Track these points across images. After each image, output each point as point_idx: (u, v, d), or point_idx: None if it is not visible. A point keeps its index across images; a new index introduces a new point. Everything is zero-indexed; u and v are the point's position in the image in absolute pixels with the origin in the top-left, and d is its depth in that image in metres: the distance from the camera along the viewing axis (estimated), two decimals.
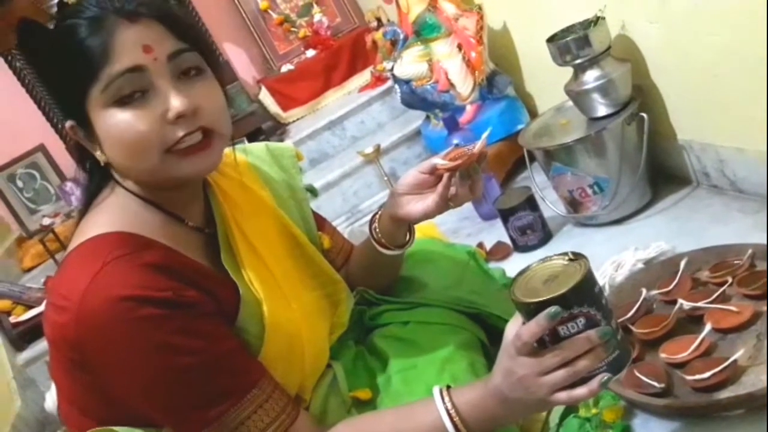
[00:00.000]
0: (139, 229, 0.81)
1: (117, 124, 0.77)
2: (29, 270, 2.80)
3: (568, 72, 1.55)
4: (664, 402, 0.96)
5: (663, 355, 1.02)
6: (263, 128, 2.91)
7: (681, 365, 0.99)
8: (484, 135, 0.94)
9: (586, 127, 1.54)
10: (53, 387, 1.69)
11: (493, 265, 1.56)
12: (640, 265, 1.32)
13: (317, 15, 3.13)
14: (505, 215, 1.67)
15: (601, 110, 1.51)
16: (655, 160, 1.57)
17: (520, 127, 2.00)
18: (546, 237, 1.67)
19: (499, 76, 2.08)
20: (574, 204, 1.62)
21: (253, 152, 1.08)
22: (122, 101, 0.77)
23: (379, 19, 2.83)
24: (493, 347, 1.05)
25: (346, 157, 2.55)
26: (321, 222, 1.13)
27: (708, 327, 1.02)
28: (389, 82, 2.56)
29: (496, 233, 1.79)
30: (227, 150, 0.97)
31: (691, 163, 1.52)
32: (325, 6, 3.20)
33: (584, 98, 1.52)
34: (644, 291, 1.17)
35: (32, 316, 2.23)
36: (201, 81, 0.81)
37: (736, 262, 1.14)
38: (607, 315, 0.73)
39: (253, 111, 2.89)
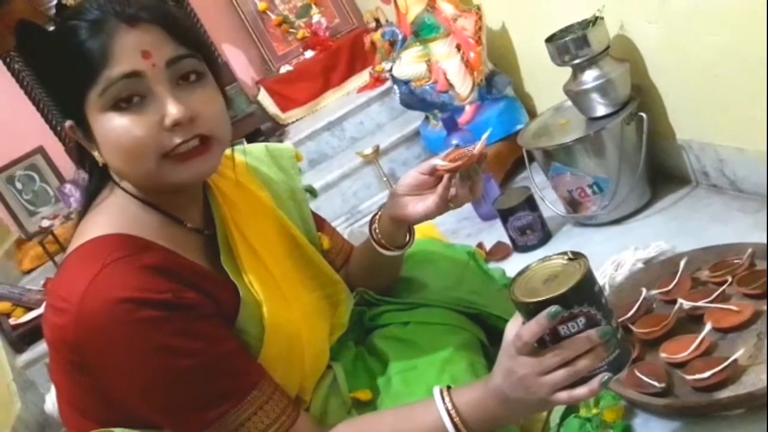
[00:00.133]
0: (138, 231, 0.81)
1: (114, 128, 0.77)
2: (28, 272, 2.80)
3: (567, 72, 1.55)
4: (664, 402, 0.96)
5: (663, 355, 1.02)
6: (262, 129, 2.91)
7: (681, 365, 0.99)
8: (484, 136, 0.94)
9: (585, 127, 1.54)
10: (53, 389, 1.69)
11: (492, 266, 1.56)
12: (640, 265, 1.32)
13: (316, 16, 3.13)
14: (505, 215, 1.67)
15: (600, 110, 1.51)
16: (654, 159, 1.57)
17: (519, 127, 2.00)
18: (545, 237, 1.67)
19: (498, 77, 2.08)
20: (573, 204, 1.62)
21: (252, 153, 1.08)
22: (120, 106, 0.76)
23: (377, 20, 2.83)
24: (492, 347, 1.05)
25: (345, 158, 2.55)
26: (320, 223, 1.13)
27: (708, 326, 1.02)
28: (388, 83, 2.56)
29: (495, 233, 1.79)
30: (227, 151, 0.97)
31: (691, 163, 1.52)
32: (324, 7, 3.20)
33: (583, 98, 1.52)
34: (644, 291, 1.17)
35: (32, 318, 2.23)
36: (200, 86, 0.81)
37: (735, 261, 1.14)
38: (608, 314, 0.73)
39: (252, 112, 2.89)
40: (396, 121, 2.70)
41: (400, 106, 2.32)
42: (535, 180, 1.69)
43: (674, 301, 1.11)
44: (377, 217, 1.06)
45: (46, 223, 2.95)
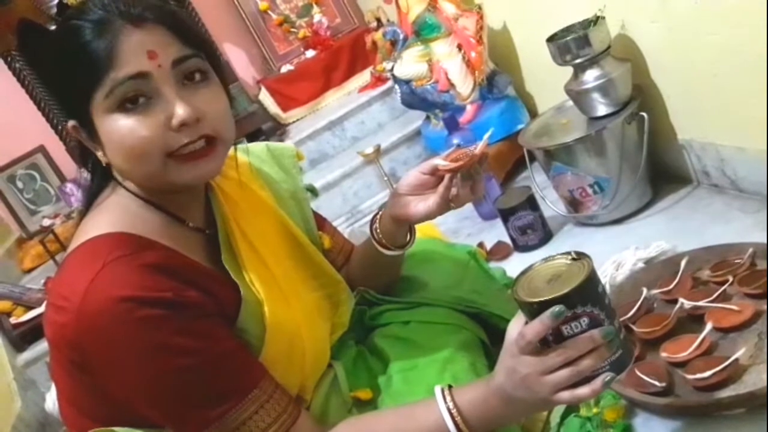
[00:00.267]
0: (140, 230, 0.81)
1: (120, 129, 0.77)
2: (29, 271, 2.80)
3: (568, 71, 1.55)
4: (665, 401, 0.96)
5: (664, 354, 1.02)
6: (263, 129, 2.91)
7: (682, 364, 0.99)
8: (486, 136, 0.94)
9: (586, 126, 1.54)
10: (53, 388, 1.69)
11: (493, 265, 1.56)
12: (641, 265, 1.32)
13: (317, 15, 3.13)
14: (506, 215, 1.67)
15: (601, 110, 1.51)
16: (655, 159, 1.57)
17: (520, 126, 2.00)
18: (546, 237, 1.67)
19: (499, 76, 2.08)
20: (574, 203, 1.62)
21: (253, 152, 1.07)
22: (125, 107, 0.76)
23: (378, 20, 2.83)
24: (493, 347, 1.05)
25: (346, 158, 2.55)
26: (321, 222, 1.13)
27: (709, 326, 1.02)
28: (389, 83, 2.56)
29: (496, 233, 1.79)
30: (230, 151, 0.97)
31: (692, 163, 1.52)
32: (325, 6, 3.20)
33: (584, 98, 1.52)
34: (645, 290, 1.17)
35: (32, 317, 2.23)
36: (205, 86, 0.80)
37: (736, 261, 1.14)
38: (610, 314, 0.73)
39: (253, 111, 2.89)
40: (397, 120, 2.70)
41: (401, 105, 2.32)
42: (536, 179, 1.69)
43: (675, 301, 1.11)
44: (378, 216, 1.06)
45: (47, 222, 2.96)
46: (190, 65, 0.79)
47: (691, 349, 0.99)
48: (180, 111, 0.76)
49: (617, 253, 1.37)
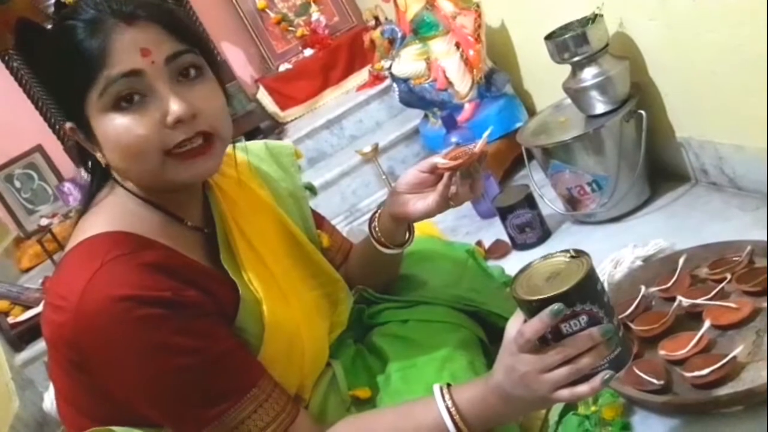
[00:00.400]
0: (138, 229, 0.81)
1: (116, 128, 0.77)
2: (27, 270, 2.80)
3: (566, 69, 1.55)
4: (663, 399, 0.97)
5: (662, 352, 1.02)
6: (261, 127, 2.91)
7: (680, 362, 0.99)
8: (485, 134, 0.94)
9: (585, 124, 1.54)
10: (52, 387, 1.69)
11: (492, 264, 1.56)
12: (639, 263, 1.32)
13: (315, 14, 3.12)
14: (504, 213, 1.67)
15: (600, 108, 1.51)
16: (653, 157, 1.57)
17: (518, 125, 2.00)
18: (545, 235, 1.67)
19: (498, 74, 2.08)
20: (572, 202, 1.62)
21: (252, 151, 1.07)
22: (120, 105, 0.76)
23: (377, 18, 2.83)
24: (492, 345, 1.05)
25: (345, 156, 2.55)
26: (320, 220, 1.13)
27: (707, 324, 1.02)
28: (387, 81, 2.56)
29: (494, 231, 1.79)
30: (227, 149, 0.97)
31: (690, 161, 1.52)
32: (323, 5, 3.19)
33: (582, 96, 1.52)
34: (643, 288, 1.17)
35: (30, 317, 2.23)
36: (201, 82, 0.80)
37: (735, 258, 1.14)
38: (609, 312, 0.73)
39: (251, 110, 2.88)
40: (395, 119, 2.70)
41: (399, 104, 2.32)
42: (535, 178, 1.69)
43: (673, 299, 1.11)
44: (377, 215, 1.06)
45: (44, 222, 2.95)
46: (185, 61, 0.79)
47: (689, 347, 1.00)
48: (175, 107, 0.76)
49: (615, 251, 1.37)
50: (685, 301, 1.09)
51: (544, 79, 1.94)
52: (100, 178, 0.87)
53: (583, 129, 1.52)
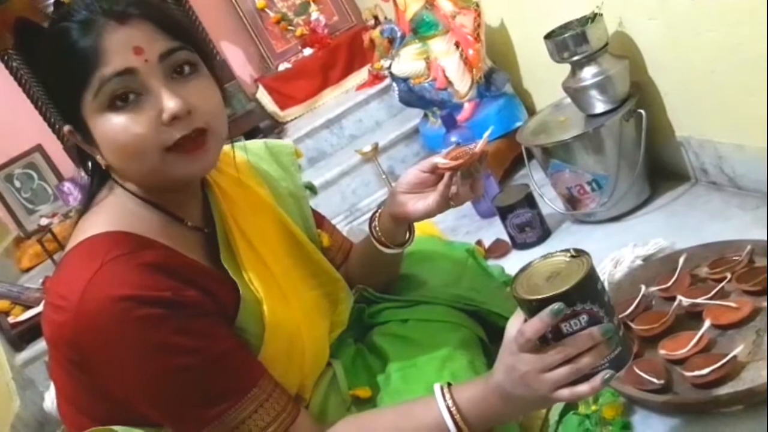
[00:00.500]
0: (138, 229, 0.81)
1: (113, 128, 0.76)
2: (27, 270, 2.80)
3: (565, 69, 1.55)
4: (663, 398, 0.97)
5: (662, 352, 1.02)
6: (261, 127, 2.91)
7: (680, 361, 0.99)
8: (486, 134, 0.94)
9: (584, 124, 1.54)
10: (52, 387, 1.69)
11: (492, 263, 1.56)
12: (639, 262, 1.32)
13: (314, 13, 3.12)
14: (504, 213, 1.67)
15: (599, 107, 1.51)
16: (653, 156, 1.57)
17: (518, 124, 2.00)
18: (544, 234, 1.67)
19: (497, 74, 2.08)
20: (572, 201, 1.62)
21: (251, 150, 1.07)
22: (116, 105, 0.76)
23: (376, 17, 2.83)
24: (492, 345, 1.05)
25: (345, 156, 2.55)
26: (320, 220, 1.13)
27: (707, 323, 1.02)
28: (387, 80, 2.56)
29: (494, 231, 1.79)
30: (226, 148, 0.97)
31: (690, 160, 1.52)
32: (323, 4, 3.19)
33: (582, 95, 1.52)
34: (643, 288, 1.17)
35: (31, 317, 2.23)
36: (195, 79, 0.80)
37: (735, 258, 1.14)
38: (610, 312, 0.73)
39: (251, 110, 2.88)
40: (395, 118, 2.70)
41: (399, 103, 2.32)
42: (534, 177, 1.69)
43: (673, 298, 1.11)
44: (377, 214, 1.06)
45: (44, 222, 2.95)
46: (178, 58, 0.78)
47: (689, 347, 1.00)
48: (170, 104, 0.75)
49: (615, 251, 1.37)
50: (685, 301, 1.09)
51: (543, 78, 1.94)
52: (99, 179, 0.87)
53: (583, 128, 1.52)
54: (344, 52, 3.02)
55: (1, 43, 2.50)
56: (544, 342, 0.73)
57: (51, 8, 0.83)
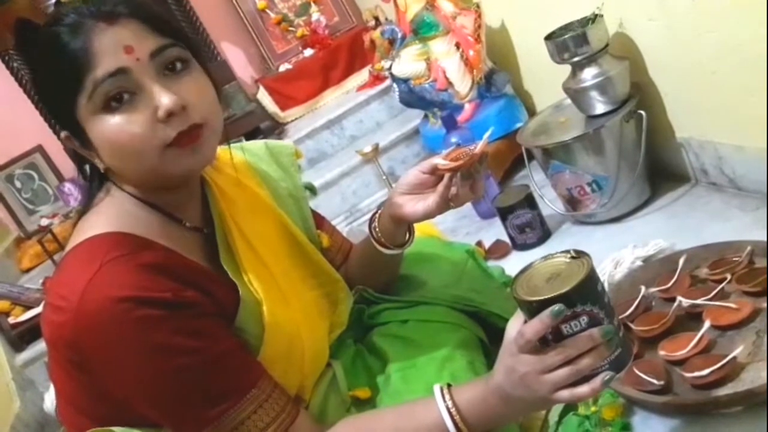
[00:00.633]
0: (137, 230, 0.81)
1: (109, 129, 0.76)
2: (28, 271, 2.80)
3: (566, 70, 1.55)
4: (663, 399, 0.97)
5: (662, 353, 1.02)
6: (261, 128, 2.91)
7: (680, 362, 0.99)
8: (486, 135, 0.94)
9: (585, 124, 1.54)
10: (52, 388, 1.69)
11: (492, 264, 1.56)
12: (639, 263, 1.32)
13: (315, 14, 3.13)
14: (504, 213, 1.67)
15: (600, 108, 1.51)
16: (653, 157, 1.57)
17: (518, 125, 2.00)
18: (545, 235, 1.67)
19: (498, 75, 2.08)
20: (572, 202, 1.62)
21: (251, 150, 1.07)
22: (111, 106, 0.76)
23: (377, 18, 2.83)
24: (492, 346, 1.05)
25: (345, 157, 2.55)
26: (320, 220, 1.13)
27: (707, 324, 1.02)
28: (387, 81, 2.56)
29: (494, 232, 1.79)
30: (224, 148, 0.97)
31: (690, 161, 1.52)
32: (323, 5, 3.20)
33: (582, 96, 1.52)
34: (643, 288, 1.17)
35: (31, 317, 2.23)
36: (187, 75, 0.80)
37: (735, 259, 1.14)
38: (610, 313, 0.73)
39: (252, 110, 2.88)
40: (395, 119, 2.70)
41: (399, 104, 2.32)
42: (535, 178, 1.69)
43: (673, 299, 1.11)
44: (377, 215, 1.06)
45: (45, 222, 2.95)
46: (169, 55, 0.78)
47: (689, 347, 1.00)
48: (165, 101, 0.75)
49: (615, 252, 1.37)
50: (685, 302, 1.09)
51: (544, 79, 1.94)
52: (99, 181, 0.87)
53: (583, 129, 1.52)
54: (345, 53, 3.02)
55: (2, 43, 2.51)
56: (544, 343, 0.73)
57: (52, 8, 0.83)
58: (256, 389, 0.80)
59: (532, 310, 0.72)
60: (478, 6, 1.99)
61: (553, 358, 0.71)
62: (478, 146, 0.92)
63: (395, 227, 1.03)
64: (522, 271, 0.78)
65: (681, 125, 1.51)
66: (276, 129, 2.97)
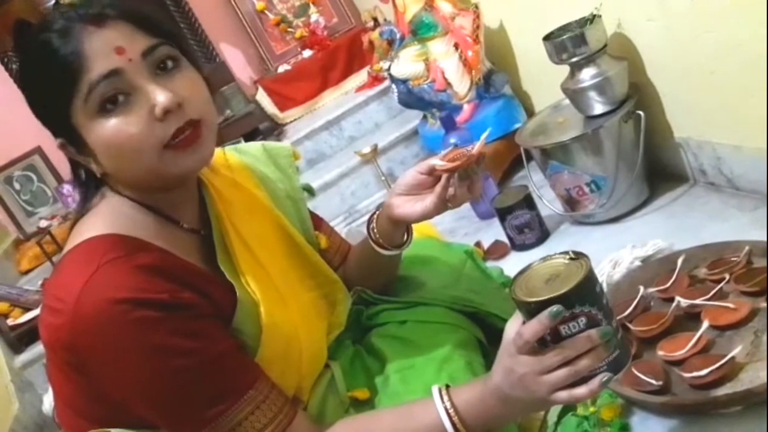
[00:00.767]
0: (134, 232, 0.81)
1: (107, 132, 0.76)
2: (26, 272, 2.80)
3: (564, 70, 1.55)
4: (662, 399, 0.97)
5: (661, 353, 1.02)
6: (260, 129, 2.91)
7: (679, 362, 0.99)
8: (483, 136, 0.94)
9: (583, 125, 1.54)
10: (51, 389, 1.69)
11: (490, 264, 1.56)
12: (638, 263, 1.32)
13: (314, 15, 3.12)
14: (503, 214, 1.67)
15: (598, 108, 1.51)
16: (652, 157, 1.57)
17: (517, 125, 2.00)
18: (543, 235, 1.67)
19: (496, 75, 2.08)
20: (571, 202, 1.62)
21: (249, 152, 1.07)
22: (106, 108, 0.76)
23: (375, 19, 2.83)
24: (490, 347, 1.05)
25: (344, 157, 2.55)
26: (318, 222, 1.13)
27: (705, 324, 1.02)
28: (386, 82, 2.56)
29: (493, 232, 1.79)
30: (218, 149, 0.97)
31: (688, 161, 1.52)
32: (322, 6, 3.19)
33: (581, 96, 1.53)
34: (642, 289, 1.17)
35: (30, 319, 2.23)
36: (179, 72, 0.80)
37: (733, 259, 1.14)
38: (608, 314, 0.73)
39: (250, 112, 2.88)
40: (394, 120, 2.70)
41: (398, 105, 2.32)
42: (533, 178, 1.69)
43: (672, 299, 1.11)
44: (375, 216, 1.06)
45: (44, 224, 2.95)
46: (161, 54, 0.79)
47: (687, 348, 1.00)
48: (161, 98, 0.76)
49: (614, 252, 1.37)
50: (684, 302, 1.09)
51: (542, 79, 1.94)
52: (95, 184, 0.87)
53: (582, 130, 1.52)
54: (343, 54, 3.02)
55: (1, 45, 2.50)
56: (542, 344, 0.73)
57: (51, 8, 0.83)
58: (254, 390, 0.80)
59: (531, 311, 0.72)
60: (476, 7, 1.99)
61: (552, 359, 0.71)
62: (476, 147, 0.92)
63: (393, 228, 1.03)
64: (521, 272, 0.78)
65: (679, 125, 1.51)
66: (275, 130, 2.97)
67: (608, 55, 1.48)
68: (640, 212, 1.56)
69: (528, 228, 1.65)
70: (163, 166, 0.78)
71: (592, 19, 1.45)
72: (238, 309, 0.85)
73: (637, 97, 1.50)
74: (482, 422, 0.79)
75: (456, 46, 2.04)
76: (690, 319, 1.08)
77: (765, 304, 1.03)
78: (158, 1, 2.90)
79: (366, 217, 1.08)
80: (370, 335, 1.08)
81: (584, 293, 0.72)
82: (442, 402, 0.79)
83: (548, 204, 1.66)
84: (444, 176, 0.94)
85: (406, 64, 2.16)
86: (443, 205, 0.96)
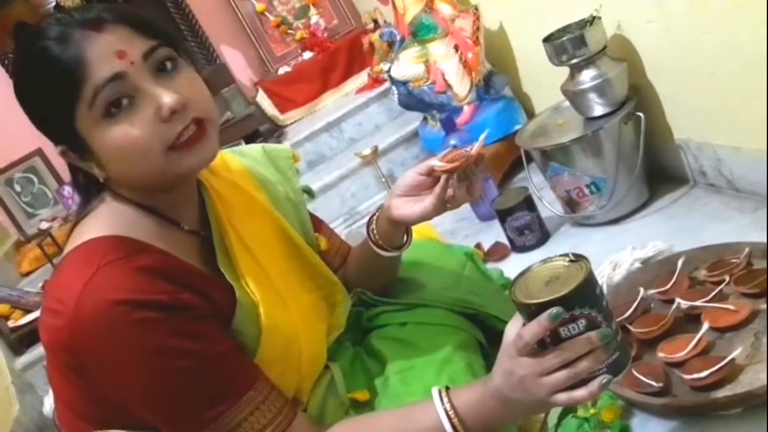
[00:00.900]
0: (134, 233, 0.81)
1: (112, 135, 0.77)
2: (27, 274, 2.80)
3: (564, 72, 1.55)
4: (662, 401, 0.97)
5: (661, 355, 1.02)
6: (261, 131, 2.91)
7: (679, 364, 0.99)
8: (482, 136, 0.94)
9: (583, 126, 1.54)
10: (51, 391, 1.69)
11: (491, 266, 1.56)
12: (638, 265, 1.32)
13: (314, 17, 3.13)
14: (503, 216, 1.67)
15: (598, 110, 1.52)
16: (652, 159, 1.57)
17: (517, 127, 2.00)
18: (544, 237, 1.67)
19: (496, 77, 2.08)
20: (571, 204, 1.62)
21: (249, 154, 1.08)
22: (111, 112, 0.76)
23: (375, 21, 2.83)
24: (491, 348, 1.05)
25: (344, 159, 2.55)
26: (318, 223, 1.13)
27: (705, 326, 1.02)
28: (386, 84, 2.56)
29: (493, 234, 1.79)
30: (223, 152, 0.97)
31: (688, 162, 1.52)
32: (322, 8, 3.20)
33: (581, 98, 1.53)
34: (642, 290, 1.17)
35: (30, 321, 2.23)
36: (179, 73, 0.81)
37: (733, 260, 1.14)
38: (608, 317, 0.73)
39: (251, 113, 2.88)
40: (394, 121, 2.70)
41: (398, 106, 2.32)
42: (533, 180, 1.69)
43: (672, 301, 1.11)
44: (375, 217, 1.06)
45: (44, 225, 2.95)
46: (160, 55, 0.79)
47: (688, 349, 0.99)
48: (167, 99, 0.76)
49: (614, 254, 1.37)
50: (684, 303, 1.09)
51: (542, 81, 1.94)
52: (95, 190, 0.87)
53: (582, 131, 1.52)
54: (344, 56, 3.03)
55: (2, 47, 2.51)
56: (542, 346, 0.73)
57: (51, 10, 0.83)
58: (253, 391, 0.80)
59: (531, 313, 0.72)
60: (476, 8, 2.00)
61: (551, 361, 0.71)
62: (474, 148, 0.92)
63: (393, 229, 1.03)
64: (521, 274, 0.78)
65: (679, 127, 1.51)
66: (275, 132, 2.97)
67: (608, 56, 1.48)
68: (640, 214, 1.56)
69: (528, 229, 1.65)
70: (169, 167, 0.79)
71: (592, 20, 1.45)
72: (238, 310, 0.85)
73: (637, 99, 1.50)
74: (482, 424, 0.79)
75: (456, 47, 2.04)
76: (690, 320, 1.08)
77: (765, 306, 1.03)
78: (158, 3, 2.90)
79: (366, 219, 1.08)
80: (370, 337, 1.08)
81: (584, 295, 0.72)
82: (442, 404, 0.79)
83: (548, 206, 1.66)
84: (443, 177, 0.94)
85: (406, 65, 2.16)
86: (442, 206, 0.96)
